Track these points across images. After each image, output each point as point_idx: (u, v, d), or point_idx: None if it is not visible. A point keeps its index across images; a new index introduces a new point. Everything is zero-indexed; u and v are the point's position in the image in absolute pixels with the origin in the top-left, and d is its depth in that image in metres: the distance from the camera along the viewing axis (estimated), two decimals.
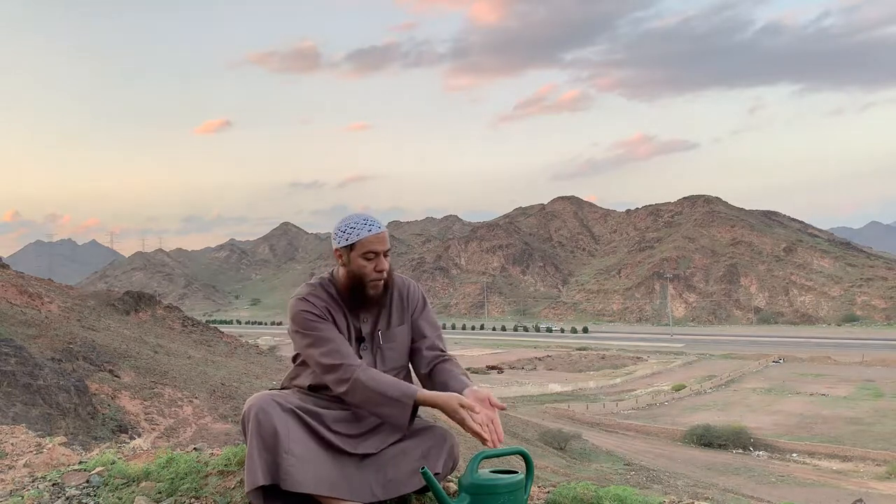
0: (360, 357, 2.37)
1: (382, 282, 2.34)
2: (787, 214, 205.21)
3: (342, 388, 2.22)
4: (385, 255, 2.32)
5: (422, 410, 2.30)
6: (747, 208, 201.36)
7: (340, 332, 2.33)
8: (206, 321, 57.52)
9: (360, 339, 2.40)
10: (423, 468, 1.99)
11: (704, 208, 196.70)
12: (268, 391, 2.26)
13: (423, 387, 2.33)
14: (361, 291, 2.32)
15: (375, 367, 2.37)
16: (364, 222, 2.31)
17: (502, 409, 2.15)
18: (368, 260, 2.29)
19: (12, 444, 3.72)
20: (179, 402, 17.73)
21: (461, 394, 2.15)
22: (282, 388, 2.49)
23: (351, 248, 2.29)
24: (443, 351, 2.41)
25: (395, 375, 2.37)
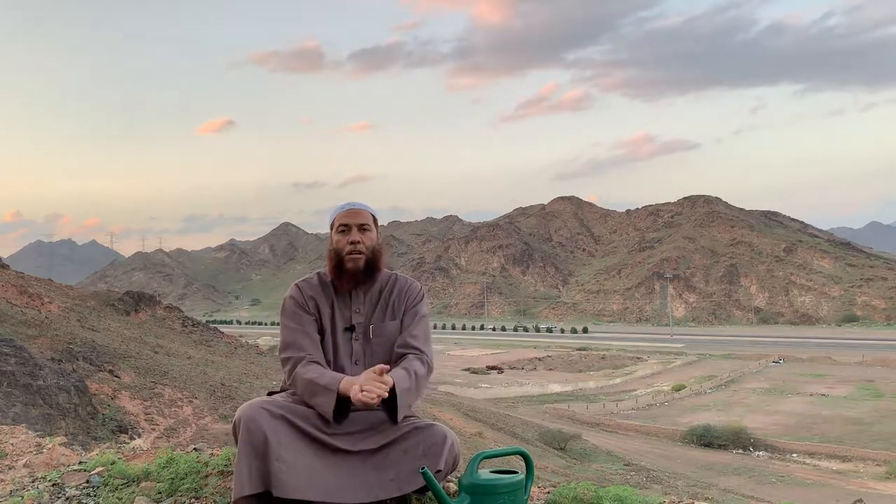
0: (352, 347, 2.44)
1: (363, 258, 2.42)
2: (787, 214, 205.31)
3: (288, 382, 2.35)
4: (361, 230, 2.45)
5: (422, 412, 2.30)
6: (747, 208, 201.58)
7: (322, 321, 2.43)
8: (206, 321, 57.58)
9: (350, 329, 2.45)
10: (422, 468, 1.99)
11: (704, 208, 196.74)
12: (257, 399, 2.27)
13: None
14: (340, 266, 2.43)
15: (365, 358, 2.43)
16: (343, 205, 2.51)
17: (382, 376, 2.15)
18: (342, 233, 2.45)
19: (12, 444, 3.72)
20: (179, 403, 17.73)
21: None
22: (282, 389, 2.50)
23: (331, 228, 2.49)
24: (415, 349, 2.40)
25: None
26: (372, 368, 2.18)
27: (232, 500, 2.11)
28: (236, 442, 2.16)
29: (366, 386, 2.11)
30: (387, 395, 2.12)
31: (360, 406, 2.16)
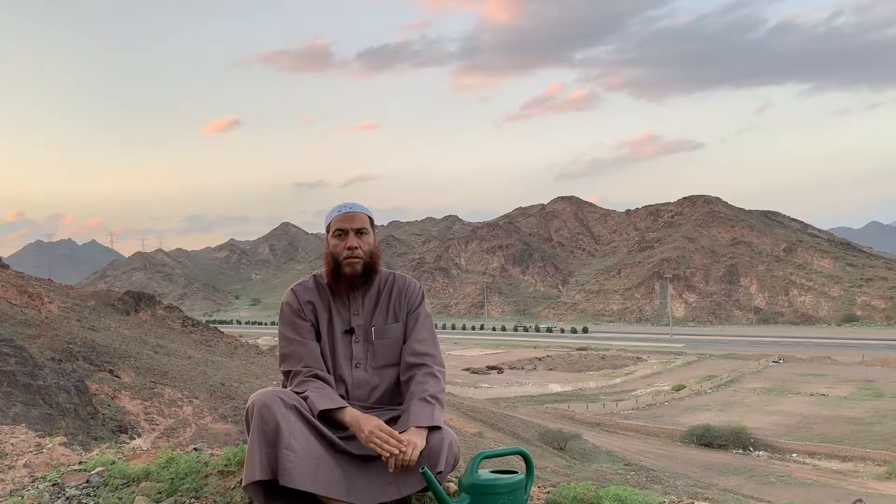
0: (352, 349, 2.42)
1: (360, 262, 2.40)
2: (787, 214, 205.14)
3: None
4: (358, 234, 2.41)
5: None
6: (747, 208, 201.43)
7: (319, 325, 2.42)
8: (206, 321, 57.56)
9: (349, 332, 2.44)
10: (422, 468, 1.99)
11: (704, 208, 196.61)
12: (271, 388, 2.28)
13: (400, 394, 2.40)
14: (338, 271, 2.41)
15: (366, 360, 2.42)
16: (339, 207, 2.47)
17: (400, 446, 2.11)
18: (339, 238, 2.41)
19: (12, 444, 3.71)
20: (179, 402, 17.73)
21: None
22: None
23: (327, 231, 2.46)
24: (425, 354, 2.40)
25: (387, 372, 2.43)
26: (382, 426, 2.14)
27: (242, 485, 2.13)
28: (248, 429, 2.17)
29: (378, 435, 2.09)
30: (400, 452, 2.07)
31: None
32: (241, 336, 53.44)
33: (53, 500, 2.66)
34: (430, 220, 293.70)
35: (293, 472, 2.03)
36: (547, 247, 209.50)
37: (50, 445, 3.60)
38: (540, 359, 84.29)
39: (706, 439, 41.70)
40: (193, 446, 3.18)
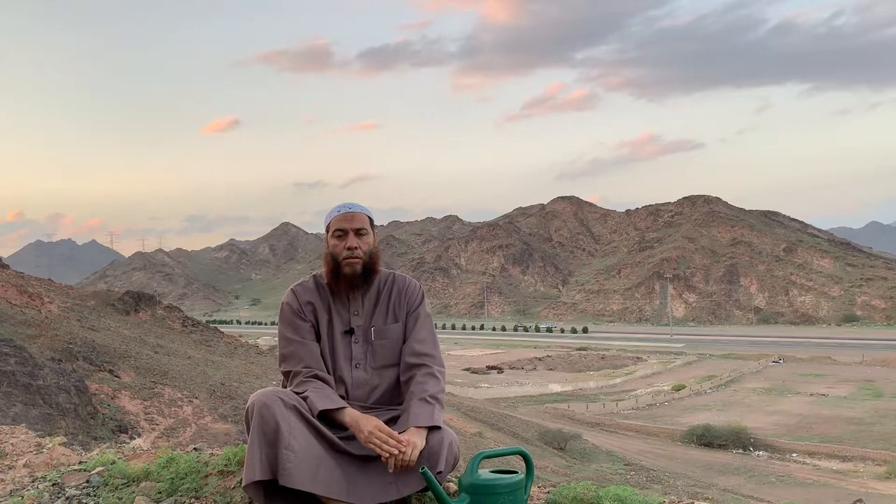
0: (352, 350, 2.42)
1: (360, 262, 2.40)
2: (787, 214, 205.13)
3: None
4: (358, 234, 2.41)
5: None
6: (747, 208, 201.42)
7: (319, 326, 2.42)
8: (206, 321, 57.55)
9: (349, 332, 2.44)
10: (422, 468, 2.00)
11: (704, 208, 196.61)
12: (271, 388, 2.28)
13: (400, 394, 2.40)
14: (338, 271, 2.40)
15: (366, 360, 2.42)
16: (339, 207, 2.46)
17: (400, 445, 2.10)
18: (339, 238, 2.41)
19: (12, 444, 3.71)
20: (179, 402, 17.73)
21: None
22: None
23: (327, 231, 2.45)
24: (425, 355, 2.40)
25: (387, 372, 2.43)
26: (382, 426, 2.14)
27: (242, 485, 2.13)
28: (248, 429, 2.17)
29: (377, 436, 2.09)
30: (400, 453, 2.07)
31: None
32: (241, 336, 53.42)
33: (53, 500, 2.66)
34: (430, 220, 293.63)
35: (293, 472, 2.03)
36: (547, 247, 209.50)
37: (50, 445, 3.60)
38: (540, 359, 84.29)
39: (706, 439, 41.70)
40: (193, 446, 3.18)
